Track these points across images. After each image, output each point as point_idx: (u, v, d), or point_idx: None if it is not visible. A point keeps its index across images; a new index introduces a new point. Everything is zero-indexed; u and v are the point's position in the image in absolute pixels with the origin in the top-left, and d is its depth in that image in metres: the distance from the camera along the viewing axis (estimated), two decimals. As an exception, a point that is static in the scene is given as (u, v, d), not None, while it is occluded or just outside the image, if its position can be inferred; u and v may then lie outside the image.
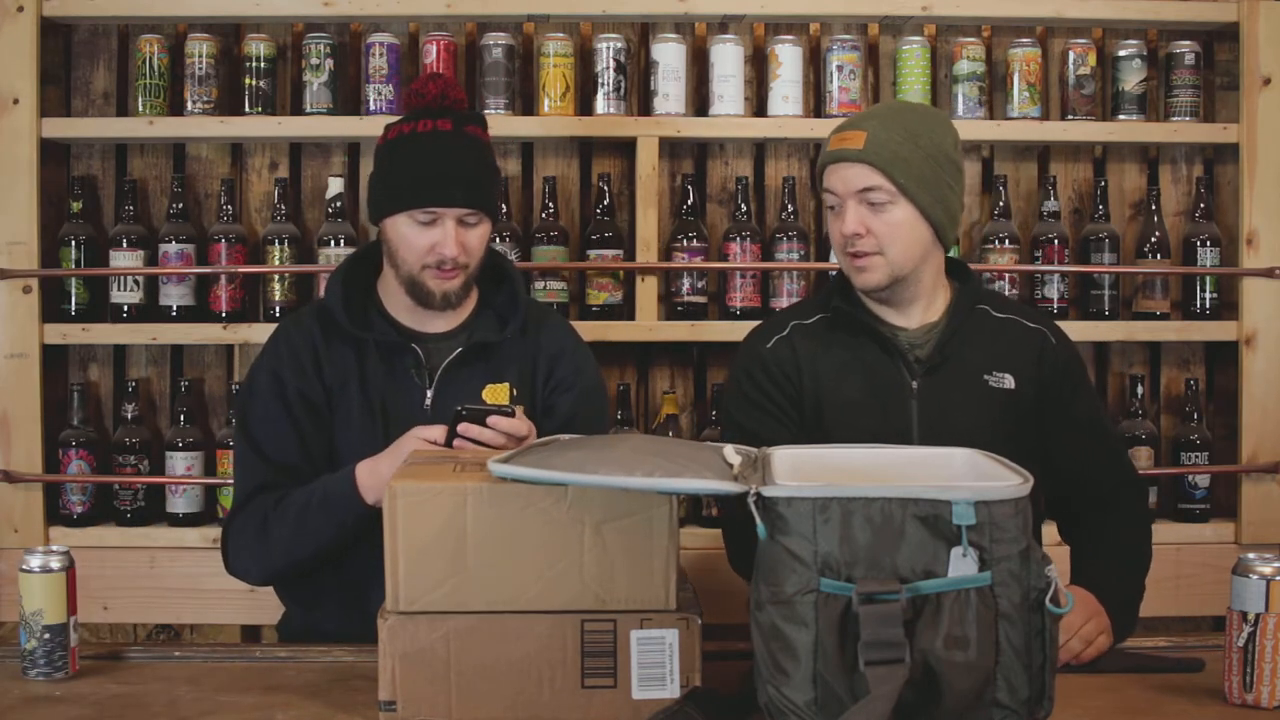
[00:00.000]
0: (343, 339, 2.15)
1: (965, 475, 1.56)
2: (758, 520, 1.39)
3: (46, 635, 1.73)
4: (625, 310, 2.92)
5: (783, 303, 2.89)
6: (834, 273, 2.19)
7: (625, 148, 2.98)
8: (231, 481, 2.30)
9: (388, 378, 2.13)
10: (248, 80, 2.90)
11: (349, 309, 2.15)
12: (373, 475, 2.00)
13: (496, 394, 2.12)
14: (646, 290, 2.89)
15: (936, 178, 2.02)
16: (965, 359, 2.09)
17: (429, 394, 2.13)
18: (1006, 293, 2.95)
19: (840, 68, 2.93)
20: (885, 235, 2.01)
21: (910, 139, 2.00)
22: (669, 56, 2.91)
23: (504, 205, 2.92)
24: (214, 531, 2.67)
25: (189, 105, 2.89)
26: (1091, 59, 2.98)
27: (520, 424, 1.96)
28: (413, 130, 2.11)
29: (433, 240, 2.08)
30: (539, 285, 2.88)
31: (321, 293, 2.53)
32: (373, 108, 2.89)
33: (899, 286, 2.06)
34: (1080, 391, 2.16)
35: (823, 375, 2.10)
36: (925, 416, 2.05)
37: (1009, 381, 2.09)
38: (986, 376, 2.09)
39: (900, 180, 1.99)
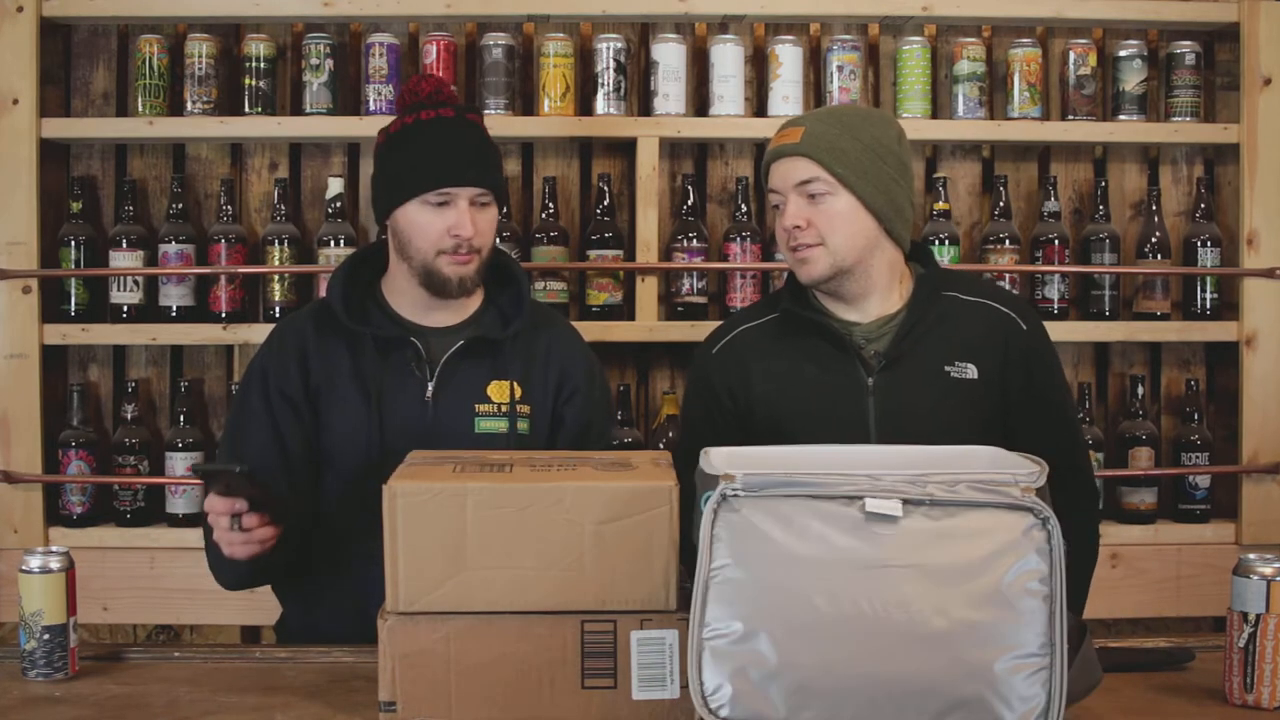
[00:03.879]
0: (337, 335, 2.15)
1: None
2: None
3: (46, 636, 1.73)
4: (625, 310, 2.92)
5: (783, 303, 2.89)
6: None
7: (625, 148, 2.98)
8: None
9: (385, 371, 2.13)
10: (247, 80, 2.90)
11: (348, 305, 2.15)
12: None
13: (500, 390, 2.13)
14: (646, 290, 2.88)
15: (877, 169, 2.03)
16: (925, 351, 2.07)
17: (430, 386, 2.13)
18: (1006, 293, 2.95)
19: (840, 68, 2.93)
20: (825, 226, 2.03)
21: (847, 132, 2.03)
22: (669, 57, 2.91)
23: (504, 205, 2.92)
24: (214, 532, 2.67)
25: (189, 105, 2.88)
26: (1092, 59, 2.98)
27: (238, 501, 1.85)
28: (415, 120, 2.12)
29: (447, 223, 2.08)
30: (539, 285, 2.88)
31: (322, 292, 2.53)
32: (373, 108, 2.88)
33: (845, 279, 2.06)
34: (1047, 378, 2.13)
35: (771, 380, 2.10)
36: (882, 414, 2.04)
37: (971, 371, 2.07)
38: (948, 368, 2.07)
39: (838, 170, 2.01)
